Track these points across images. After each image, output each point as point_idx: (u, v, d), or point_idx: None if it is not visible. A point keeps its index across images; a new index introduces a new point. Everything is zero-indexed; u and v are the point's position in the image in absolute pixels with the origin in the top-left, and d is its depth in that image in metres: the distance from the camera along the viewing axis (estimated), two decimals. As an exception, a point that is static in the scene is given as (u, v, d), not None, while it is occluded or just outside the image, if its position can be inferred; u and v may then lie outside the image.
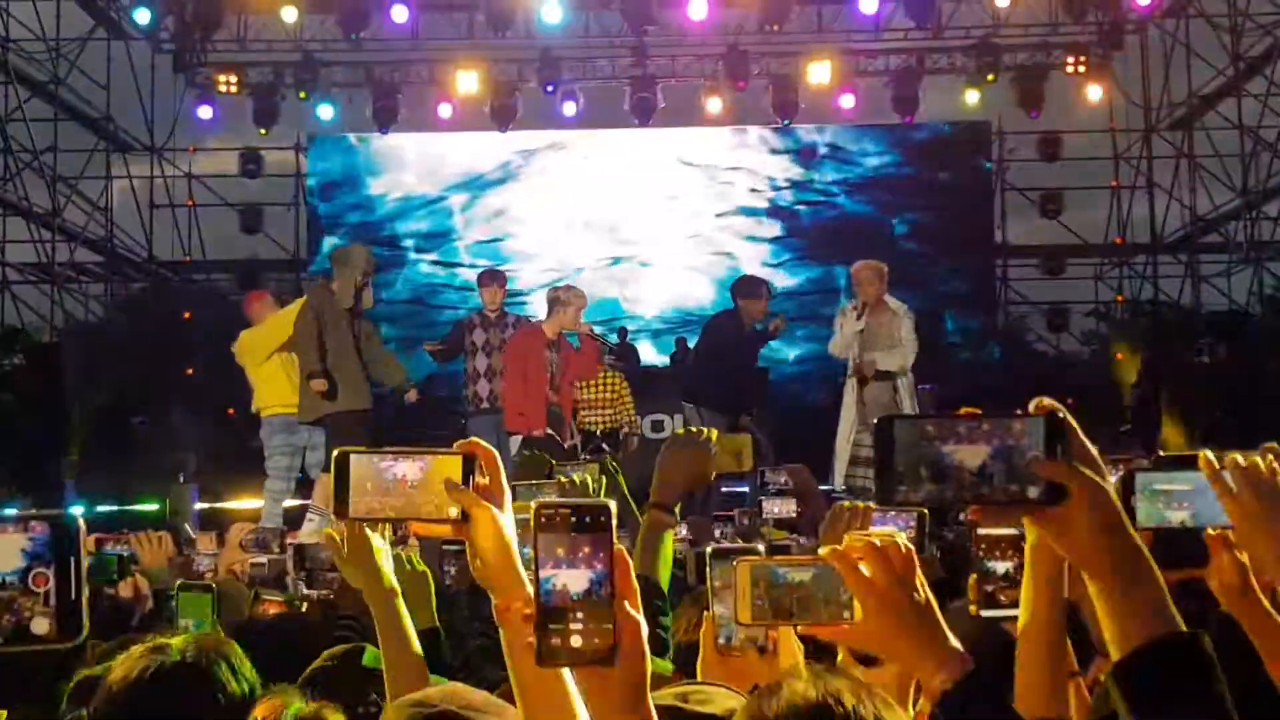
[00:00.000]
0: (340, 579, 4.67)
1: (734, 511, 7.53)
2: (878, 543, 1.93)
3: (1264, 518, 2.13)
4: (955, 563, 4.13)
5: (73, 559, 1.62)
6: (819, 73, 19.95)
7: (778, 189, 22.16)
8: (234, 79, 20.35)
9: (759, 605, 2.03)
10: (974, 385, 17.62)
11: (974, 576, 2.77)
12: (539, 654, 1.73)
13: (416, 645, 2.94)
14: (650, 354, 20.35)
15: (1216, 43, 19.65)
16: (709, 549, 2.67)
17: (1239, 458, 2.17)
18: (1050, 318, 21.76)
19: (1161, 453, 2.58)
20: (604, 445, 12.74)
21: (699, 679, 2.60)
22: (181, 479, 14.75)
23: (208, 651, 2.92)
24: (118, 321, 20.37)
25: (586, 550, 1.75)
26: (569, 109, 20.62)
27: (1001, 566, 2.76)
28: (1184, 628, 1.76)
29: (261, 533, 6.59)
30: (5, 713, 2.26)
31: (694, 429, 4.14)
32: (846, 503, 3.48)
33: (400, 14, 19.06)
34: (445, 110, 20.67)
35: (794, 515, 6.60)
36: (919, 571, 1.95)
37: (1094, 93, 20.43)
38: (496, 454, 2.15)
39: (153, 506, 14.09)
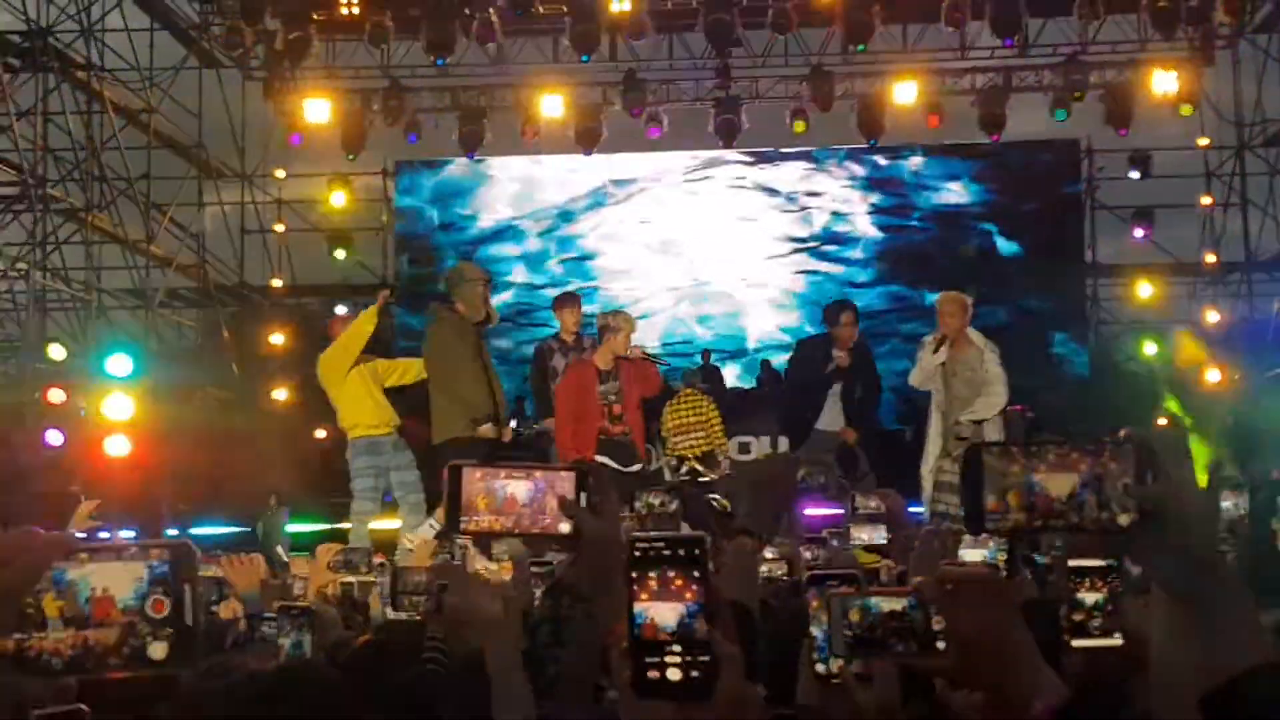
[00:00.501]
0: (431, 603, 4.69)
1: (824, 532, 7.50)
2: (970, 575, 1.90)
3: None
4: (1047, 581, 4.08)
5: (188, 586, 1.64)
6: (904, 93, 19.84)
7: (862, 210, 22.06)
8: (323, 105, 20.58)
9: (851, 637, 2.02)
10: (1069, 405, 17.46)
11: (1065, 607, 2.75)
12: (636, 686, 1.71)
13: (526, 685, 2.94)
14: (731, 377, 20.30)
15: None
16: (805, 575, 2.66)
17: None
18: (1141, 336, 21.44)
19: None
20: (699, 468, 12.73)
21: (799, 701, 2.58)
22: (274, 502, 14.91)
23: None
24: (209, 346, 20.64)
25: (680, 584, 1.73)
26: (653, 132, 20.65)
27: (1091, 598, 2.73)
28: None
29: (349, 554, 6.63)
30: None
31: (779, 454, 4.14)
32: (935, 528, 3.46)
33: (486, 39, 19.20)
34: (530, 134, 20.77)
35: (884, 541, 6.57)
36: (1013, 602, 1.92)
37: (1185, 109, 20.15)
38: (607, 472, 2.15)
39: (245, 530, 14.24)
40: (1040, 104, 20.71)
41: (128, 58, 19.50)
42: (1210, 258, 21.26)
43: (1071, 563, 2.73)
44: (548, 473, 2.16)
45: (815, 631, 2.56)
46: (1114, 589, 2.72)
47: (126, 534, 9.21)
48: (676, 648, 1.71)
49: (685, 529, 5.69)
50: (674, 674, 1.71)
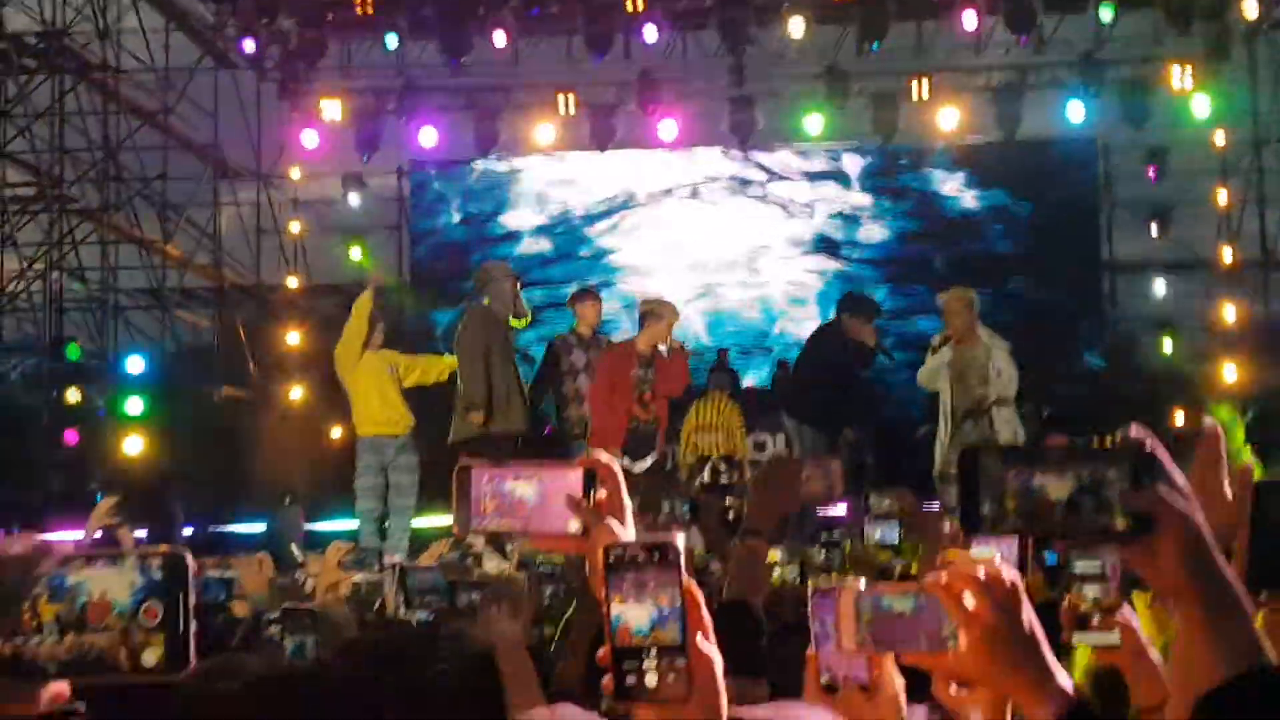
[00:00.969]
0: (444, 601, 4.71)
1: (836, 533, 7.50)
2: (982, 573, 1.89)
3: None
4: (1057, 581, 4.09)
5: (182, 594, 1.65)
6: (919, 90, 19.81)
7: (875, 209, 22.04)
8: (337, 105, 20.62)
9: (861, 634, 2.01)
10: (1084, 401, 17.42)
11: (1067, 602, 2.75)
12: (614, 692, 1.73)
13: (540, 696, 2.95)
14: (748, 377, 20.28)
15: (1328, 53, 19.31)
16: (811, 586, 2.65)
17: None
18: (1159, 334, 21.39)
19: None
20: (720, 469, 12.71)
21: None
22: (288, 501, 14.94)
23: None
24: (227, 344, 20.70)
25: (655, 588, 1.74)
26: (667, 130, 20.62)
27: (1091, 592, 2.74)
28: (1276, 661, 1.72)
29: (360, 552, 6.65)
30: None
31: (784, 455, 4.16)
32: (943, 519, 3.46)
33: (500, 39, 19.21)
34: (545, 132, 20.78)
35: (897, 540, 6.57)
36: (1025, 601, 1.91)
37: (1201, 105, 20.06)
38: (618, 468, 2.15)
39: (260, 528, 14.27)
40: (1056, 101, 20.65)
41: (143, 58, 19.55)
42: (1227, 255, 21.16)
43: (1075, 561, 2.75)
44: (555, 472, 2.16)
45: (820, 648, 2.55)
46: (1115, 586, 2.73)
47: (141, 532, 9.25)
48: (653, 652, 1.71)
49: (696, 535, 5.69)
50: (650, 679, 1.71)
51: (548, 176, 22.40)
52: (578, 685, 2.81)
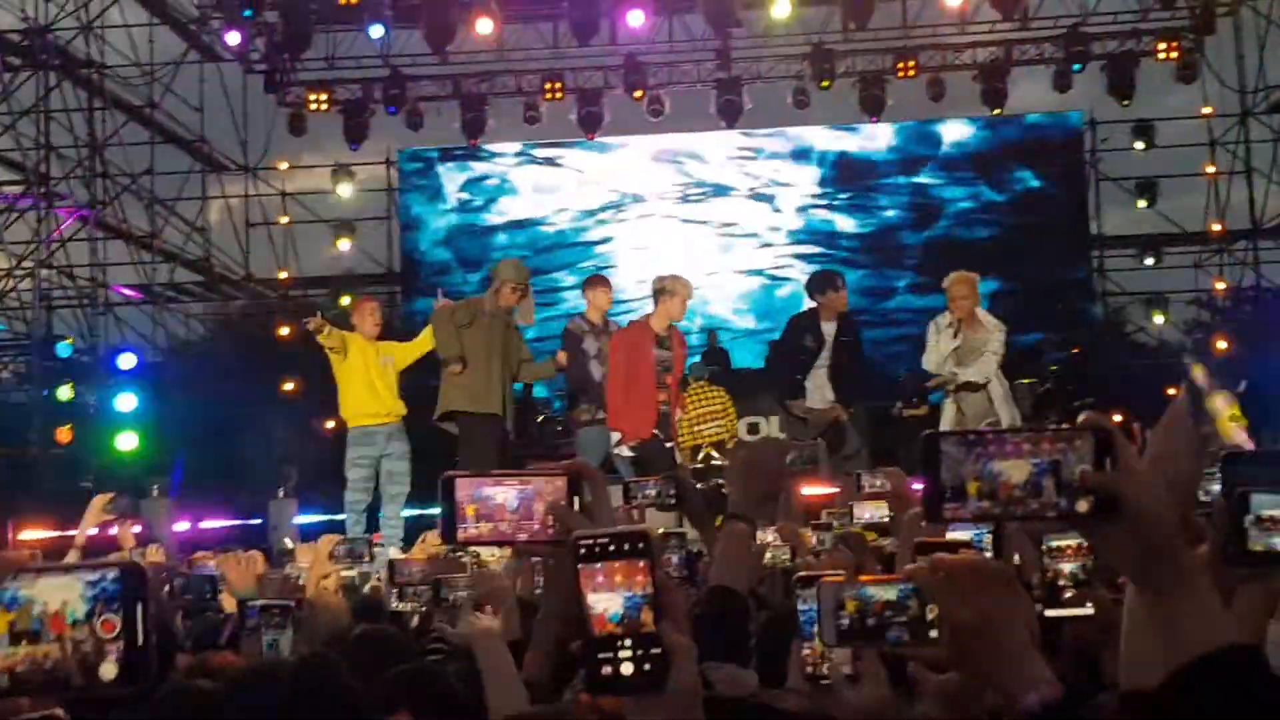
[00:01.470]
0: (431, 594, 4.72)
1: (823, 514, 7.50)
2: (966, 563, 1.90)
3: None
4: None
5: (140, 604, 1.64)
6: (905, 69, 19.81)
7: (860, 188, 22.03)
8: (324, 97, 20.60)
9: (843, 626, 2.01)
10: (1078, 376, 17.43)
11: (1037, 576, 2.77)
12: (588, 684, 1.73)
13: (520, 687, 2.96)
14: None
15: (1312, 22, 19.30)
16: (796, 576, 2.65)
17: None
18: (1149, 307, 21.43)
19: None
20: (715, 455, 12.73)
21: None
22: (282, 494, 14.95)
23: None
24: (218, 339, 20.69)
25: (624, 577, 1.74)
26: (655, 114, 20.63)
27: (1067, 567, 2.76)
28: (1241, 640, 1.72)
29: (351, 544, 6.64)
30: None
31: (765, 436, 4.16)
32: (918, 510, 3.46)
33: (485, 26, 19.16)
34: (533, 119, 20.77)
35: (886, 519, 6.55)
36: (1009, 589, 1.91)
37: (1187, 78, 20.07)
38: (600, 473, 2.15)
39: (255, 521, 14.29)
40: (1042, 77, 20.67)
41: (128, 54, 19.51)
42: (1216, 226, 21.20)
43: (1047, 538, 2.77)
44: (539, 478, 2.16)
45: (801, 616, 2.56)
46: (1087, 562, 2.75)
47: (136, 529, 9.24)
48: (627, 642, 1.71)
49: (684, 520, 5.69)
50: (626, 668, 1.72)
51: (537, 164, 22.35)
52: (544, 676, 2.80)
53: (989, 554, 2.05)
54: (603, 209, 22.18)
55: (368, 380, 11.44)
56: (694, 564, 4.79)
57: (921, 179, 21.97)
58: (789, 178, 22.10)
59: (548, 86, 20.21)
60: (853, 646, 2.24)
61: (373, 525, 11.42)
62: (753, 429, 15.30)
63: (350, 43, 20.87)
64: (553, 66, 20.53)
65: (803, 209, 22.04)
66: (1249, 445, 9.89)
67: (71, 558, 5.87)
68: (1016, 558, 3.30)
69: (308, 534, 12.42)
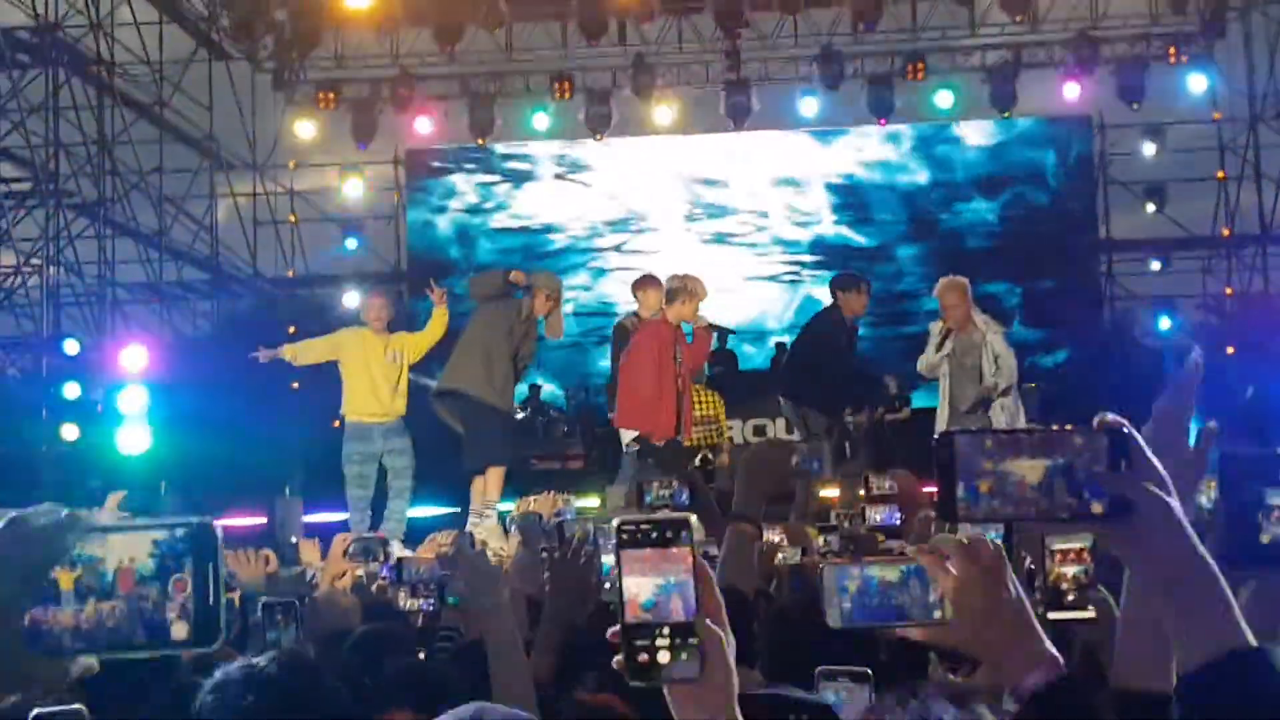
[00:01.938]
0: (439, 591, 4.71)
1: (833, 516, 7.49)
2: (966, 541, 1.90)
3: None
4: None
5: (211, 565, 1.63)
6: (914, 71, 19.80)
7: (870, 189, 22.00)
8: (332, 95, 20.62)
9: (847, 608, 2.01)
10: (1082, 381, 17.43)
11: (1041, 579, 2.77)
12: (627, 671, 1.71)
13: (527, 673, 2.95)
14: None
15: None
16: (823, 567, 2.64)
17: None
18: (1157, 311, 21.40)
19: None
20: (710, 457, 12.75)
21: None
22: (288, 492, 14.95)
23: None
24: (224, 337, 20.68)
25: (666, 566, 1.73)
26: (663, 115, 20.62)
27: (1070, 570, 2.75)
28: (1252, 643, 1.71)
29: (366, 542, 6.63)
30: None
31: (772, 439, 4.15)
32: (930, 514, 3.46)
33: (494, 26, 19.18)
34: (540, 119, 20.78)
35: (897, 522, 6.55)
36: (1010, 570, 1.92)
37: (1197, 82, 20.05)
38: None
39: (260, 520, 14.27)
40: (1051, 79, 20.64)
41: (137, 51, 19.51)
42: (1224, 231, 21.17)
43: (1049, 540, 2.77)
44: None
45: None
46: (1089, 564, 2.75)
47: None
48: (665, 630, 1.70)
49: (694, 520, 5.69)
50: (663, 657, 1.70)
51: (547, 160, 22.32)
52: (548, 678, 2.81)
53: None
54: (614, 226, 22.11)
55: (367, 377, 11.47)
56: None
57: (928, 181, 21.92)
58: (802, 193, 22.05)
59: (556, 86, 20.22)
60: (856, 629, 2.21)
61: (378, 523, 11.43)
62: (759, 431, 15.29)
63: (358, 41, 20.88)
64: (561, 66, 20.53)
65: (808, 224, 21.99)
66: None
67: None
68: (1028, 560, 3.30)
69: (313, 533, 12.41)
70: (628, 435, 10.80)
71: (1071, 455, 1.76)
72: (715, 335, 11.74)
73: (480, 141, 21.15)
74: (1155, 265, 21.57)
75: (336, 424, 12.59)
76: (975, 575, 1.88)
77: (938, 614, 1.93)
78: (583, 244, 22.06)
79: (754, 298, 21.71)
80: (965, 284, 11.40)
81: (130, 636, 1.60)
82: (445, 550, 5.76)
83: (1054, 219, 21.52)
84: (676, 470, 9.64)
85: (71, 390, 15.78)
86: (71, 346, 16.23)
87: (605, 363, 15.04)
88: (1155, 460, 1.79)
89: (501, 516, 10.48)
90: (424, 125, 20.93)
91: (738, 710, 1.77)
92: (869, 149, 22.05)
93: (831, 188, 22.01)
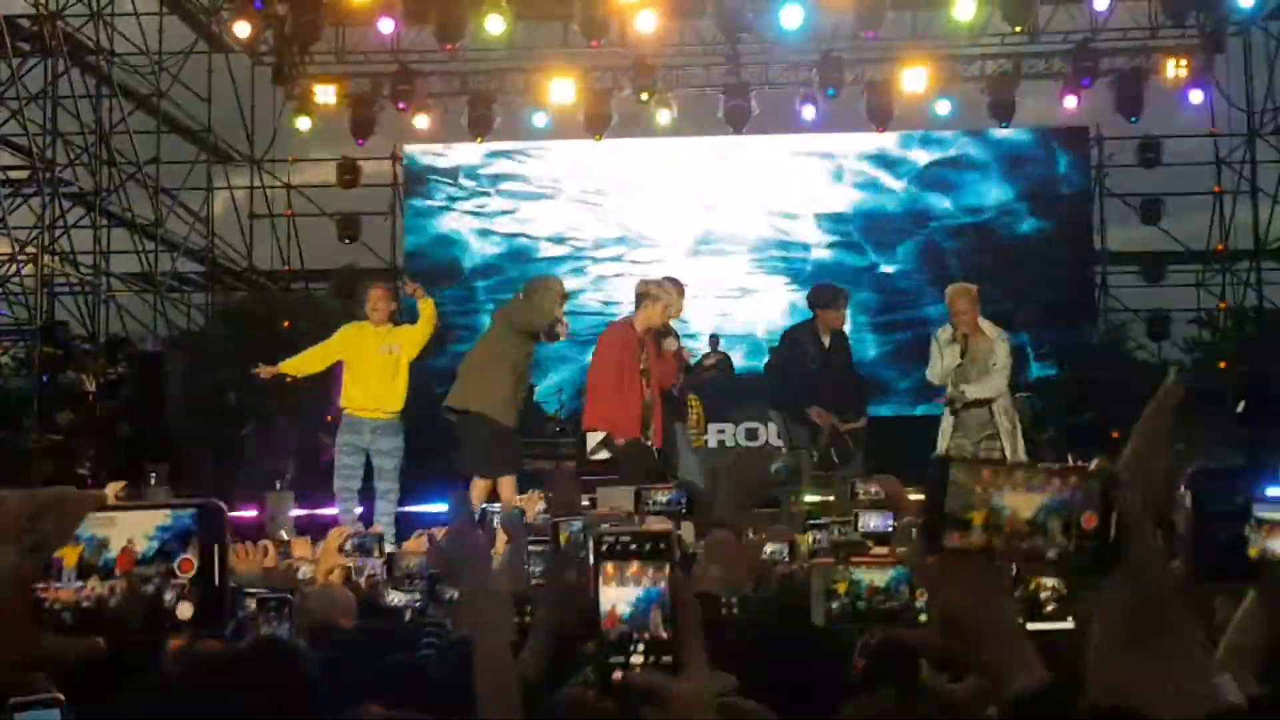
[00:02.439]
0: (427, 586, 4.71)
1: (823, 518, 7.49)
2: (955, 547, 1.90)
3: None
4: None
5: (218, 546, 1.62)
6: (914, 79, 19.82)
7: (866, 197, 22.00)
8: (331, 90, 20.60)
9: (833, 609, 2.01)
10: (1076, 393, 17.44)
11: (1020, 589, 2.76)
12: (599, 683, 1.72)
13: (511, 665, 2.94)
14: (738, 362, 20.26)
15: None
16: (810, 565, 2.65)
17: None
18: (1151, 325, 21.43)
19: None
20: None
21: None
22: (279, 486, 14.94)
23: None
24: (219, 330, 20.68)
25: (643, 578, 1.73)
26: (663, 117, 20.63)
27: (1049, 580, 2.75)
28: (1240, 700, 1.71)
29: (362, 537, 6.63)
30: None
31: (752, 447, 4.16)
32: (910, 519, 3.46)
33: (495, 24, 19.18)
34: (540, 119, 20.79)
35: (888, 528, 6.55)
36: (1000, 574, 1.92)
37: (1195, 96, 20.08)
38: None
39: (252, 514, 14.26)
40: (1050, 90, 20.66)
41: (137, 42, 19.51)
42: (1220, 246, 21.21)
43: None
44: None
45: None
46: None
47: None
48: (640, 646, 1.70)
49: (689, 526, 5.70)
50: (638, 667, 1.71)
51: (544, 160, 22.31)
52: (539, 674, 2.80)
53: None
54: (611, 227, 22.10)
55: (362, 369, 11.52)
56: (689, 567, 4.79)
57: (924, 189, 21.93)
58: (799, 199, 22.05)
59: (556, 85, 20.21)
60: (842, 629, 2.22)
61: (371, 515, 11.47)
62: (751, 435, 15.30)
63: (360, 37, 20.87)
64: (562, 66, 20.52)
65: (805, 229, 21.99)
66: None
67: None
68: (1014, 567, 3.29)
69: (304, 527, 12.41)
70: (594, 440, 10.83)
71: (1066, 495, 1.74)
72: (709, 339, 11.77)
73: (479, 140, 21.11)
74: (1149, 279, 21.62)
75: (330, 419, 12.61)
76: (963, 578, 1.89)
77: (924, 617, 1.93)
78: (579, 244, 22.03)
79: (751, 304, 21.70)
80: (975, 290, 11.44)
81: (131, 617, 1.60)
82: (439, 542, 5.77)
83: (1049, 230, 21.53)
84: (639, 471, 9.77)
85: (64, 379, 15.76)
86: (65, 335, 16.22)
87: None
88: (1143, 511, 1.78)
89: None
90: (423, 122, 20.91)
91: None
92: (867, 156, 22.04)
93: (828, 194, 21.99)
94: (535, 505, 7.67)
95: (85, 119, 18.44)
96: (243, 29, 19.65)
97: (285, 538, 9.20)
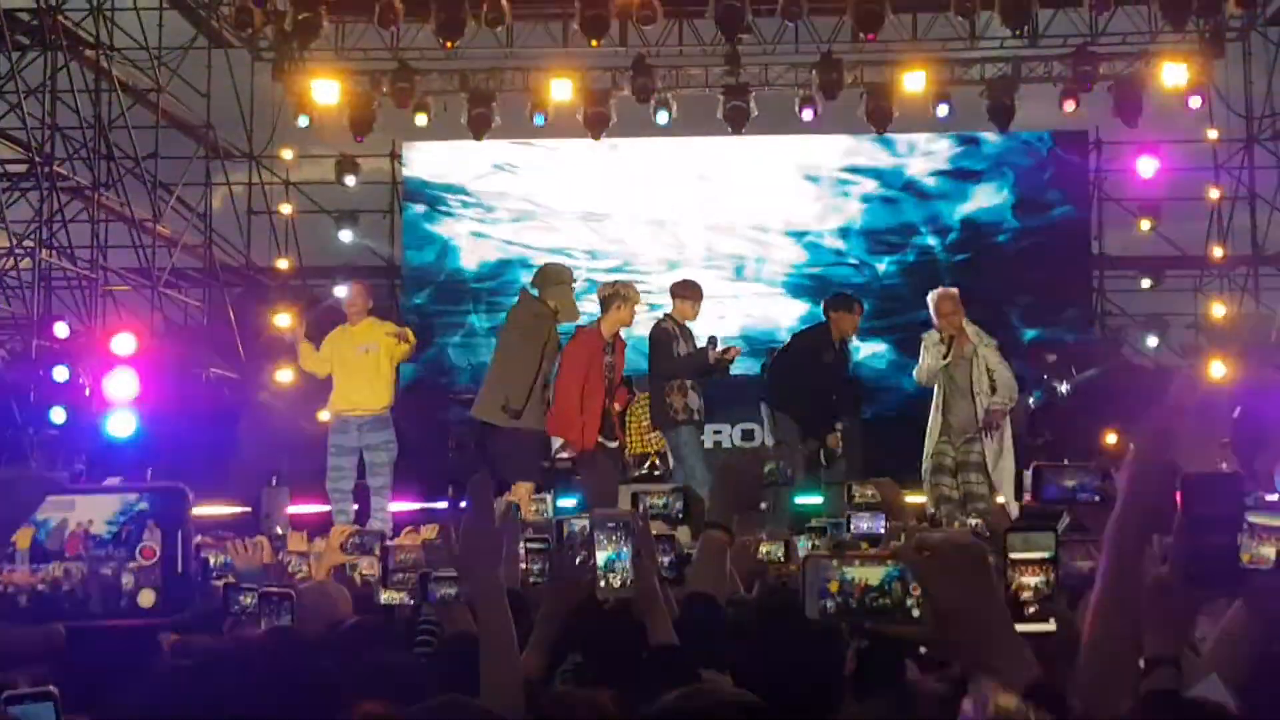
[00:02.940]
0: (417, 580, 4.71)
1: (813, 520, 7.52)
2: (948, 542, 1.92)
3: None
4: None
5: (180, 532, 1.60)
6: (913, 82, 19.83)
7: (865, 198, 21.98)
8: (331, 86, 20.58)
9: (827, 606, 2.02)
10: (1071, 395, 17.45)
11: (1002, 591, 2.77)
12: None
13: (518, 660, 2.95)
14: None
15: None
16: (805, 558, 2.66)
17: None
18: (1148, 329, 21.47)
19: None
20: (656, 464, 12.89)
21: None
22: (274, 482, 14.95)
23: None
24: (215, 325, 20.66)
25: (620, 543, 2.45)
26: (661, 117, 20.62)
27: (1031, 580, 2.76)
28: None
29: (363, 535, 6.64)
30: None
31: (745, 447, 4.20)
32: (909, 524, 3.48)
33: (495, 22, 19.20)
34: (539, 118, 20.77)
35: (881, 530, 6.58)
36: (990, 573, 1.94)
37: (1194, 102, 20.08)
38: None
39: (246, 509, 14.26)
40: (1049, 94, 20.67)
41: (136, 37, 19.48)
42: (1217, 251, 21.21)
43: (1012, 554, 2.78)
44: None
45: None
46: (1051, 577, 2.75)
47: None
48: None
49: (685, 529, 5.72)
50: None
51: (541, 159, 22.28)
52: (539, 674, 2.81)
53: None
54: (609, 232, 22.07)
55: (343, 369, 11.59)
56: (684, 566, 4.80)
57: (923, 192, 21.92)
58: (797, 201, 22.03)
59: (555, 84, 20.22)
60: (834, 625, 2.27)
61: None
62: (747, 435, 15.32)
63: (360, 33, 20.86)
64: (561, 66, 20.52)
65: (802, 234, 21.98)
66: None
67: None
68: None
69: (299, 523, 12.41)
70: (559, 442, 10.90)
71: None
72: (707, 340, 11.81)
73: (478, 137, 21.08)
74: (1145, 283, 21.64)
75: (326, 419, 12.62)
76: (956, 575, 1.90)
77: (916, 613, 1.95)
78: (578, 246, 22.00)
79: (748, 307, 21.69)
80: (956, 294, 11.59)
81: (87, 602, 1.57)
82: (430, 536, 5.78)
83: (1048, 234, 21.52)
84: (600, 479, 9.93)
85: (60, 373, 15.75)
86: (61, 329, 16.21)
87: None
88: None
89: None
90: (422, 120, 20.89)
91: None
92: (865, 158, 22.03)
93: (827, 197, 21.98)
94: (526, 499, 7.68)
95: (84, 113, 18.42)
96: (243, 24, 19.64)
97: (280, 533, 9.23)
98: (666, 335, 11.57)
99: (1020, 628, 2.72)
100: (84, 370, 15.82)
